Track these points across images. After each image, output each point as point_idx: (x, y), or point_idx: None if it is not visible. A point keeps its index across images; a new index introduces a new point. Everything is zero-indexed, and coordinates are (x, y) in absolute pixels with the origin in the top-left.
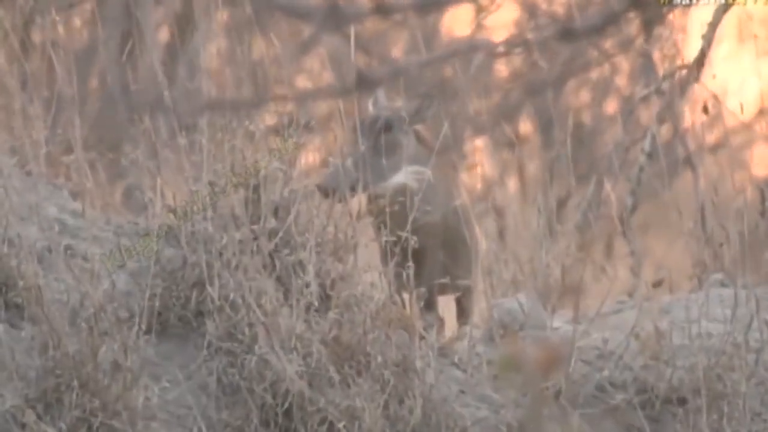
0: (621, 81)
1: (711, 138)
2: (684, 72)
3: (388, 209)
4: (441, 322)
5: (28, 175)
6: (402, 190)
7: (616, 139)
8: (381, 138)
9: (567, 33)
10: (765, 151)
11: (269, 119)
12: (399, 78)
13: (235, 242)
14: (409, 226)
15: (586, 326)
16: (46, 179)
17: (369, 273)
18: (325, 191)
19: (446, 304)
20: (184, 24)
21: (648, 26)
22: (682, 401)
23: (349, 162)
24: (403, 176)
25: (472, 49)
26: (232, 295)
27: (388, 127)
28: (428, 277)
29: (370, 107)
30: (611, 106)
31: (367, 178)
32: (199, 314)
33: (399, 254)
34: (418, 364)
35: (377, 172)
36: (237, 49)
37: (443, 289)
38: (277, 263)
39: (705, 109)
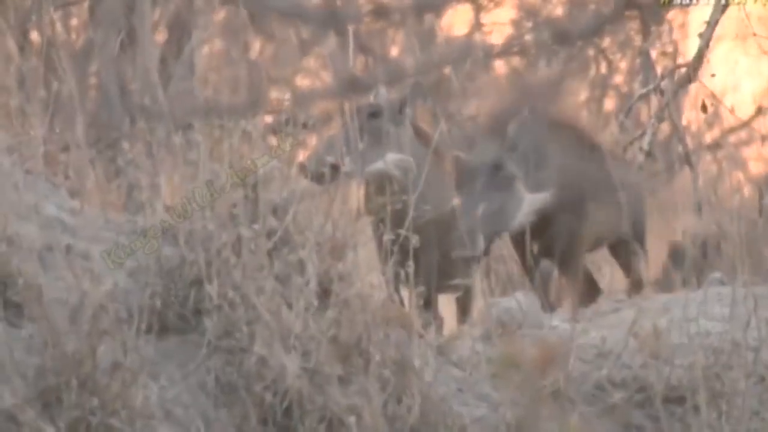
0: (619, 79)
1: (709, 136)
2: (683, 70)
3: (364, 191)
4: (440, 320)
5: (26, 173)
6: (381, 176)
7: (615, 137)
8: (367, 124)
9: (564, 35)
10: (763, 149)
11: (267, 118)
12: (396, 79)
13: (234, 241)
14: (388, 211)
15: (585, 325)
16: (44, 177)
17: (368, 272)
18: (306, 171)
19: (446, 303)
20: (181, 24)
21: (647, 25)
22: (681, 400)
23: (326, 143)
24: (383, 163)
25: (470, 49)
26: (230, 294)
27: (375, 113)
28: (426, 276)
29: (372, 100)
30: (610, 105)
31: (354, 163)
32: (198, 313)
33: (398, 252)
34: (417, 362)
35: (362, 157)
36: (234, 50)
37: (442, 288)
38: (276, 262)
39: (703, 108)
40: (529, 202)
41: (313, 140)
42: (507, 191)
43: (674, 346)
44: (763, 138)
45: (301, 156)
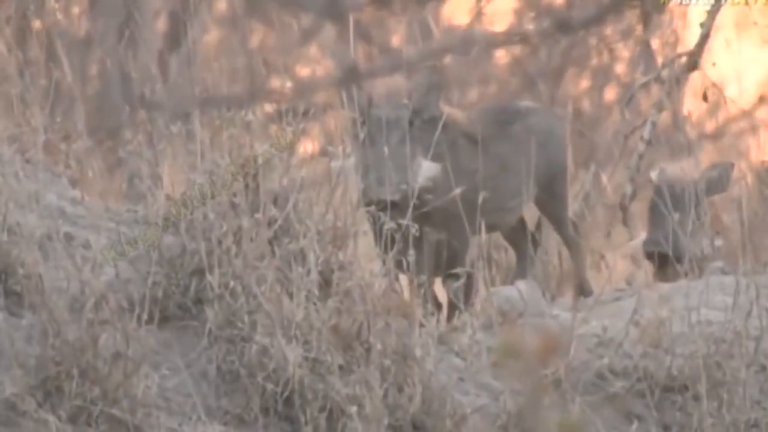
0: (620, 69)
1: (710, 125)
2: (683, 59)
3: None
4: (440, 306)
5: (27, 162)
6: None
7: (616, 126)
8: (368, 114)
9: (565, 24)
10: (764, 138)
11: (268, 107)
12: (397, 68)
13: (235, 230)
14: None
15: (586, 314)
16: (44, 167)
17: (369, 261)
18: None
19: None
20: (182, 13)
21: (648, 14)
22: (682, 389)
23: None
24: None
25: (471, 39)
26: (231, 283)
27: (373, 103)
28: (428, 264)
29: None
30: (611, 94)
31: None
32: (199, 302)
33: (400, 241)
34: (418, 352)
35: (364, 149)
36: (234, 39)
37: (444, 276)
38: (277, 251)
39: (704, 97)
40: (426, 167)
41: (314, 129)
42: (406, 149)
43: (675, 335)
44: (765, 127)
45: (303, 146)
